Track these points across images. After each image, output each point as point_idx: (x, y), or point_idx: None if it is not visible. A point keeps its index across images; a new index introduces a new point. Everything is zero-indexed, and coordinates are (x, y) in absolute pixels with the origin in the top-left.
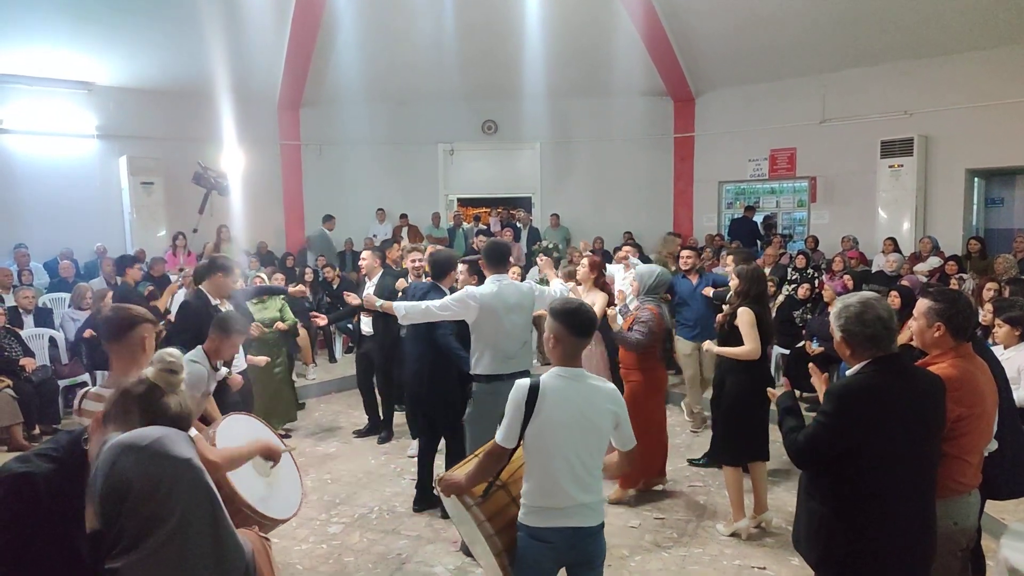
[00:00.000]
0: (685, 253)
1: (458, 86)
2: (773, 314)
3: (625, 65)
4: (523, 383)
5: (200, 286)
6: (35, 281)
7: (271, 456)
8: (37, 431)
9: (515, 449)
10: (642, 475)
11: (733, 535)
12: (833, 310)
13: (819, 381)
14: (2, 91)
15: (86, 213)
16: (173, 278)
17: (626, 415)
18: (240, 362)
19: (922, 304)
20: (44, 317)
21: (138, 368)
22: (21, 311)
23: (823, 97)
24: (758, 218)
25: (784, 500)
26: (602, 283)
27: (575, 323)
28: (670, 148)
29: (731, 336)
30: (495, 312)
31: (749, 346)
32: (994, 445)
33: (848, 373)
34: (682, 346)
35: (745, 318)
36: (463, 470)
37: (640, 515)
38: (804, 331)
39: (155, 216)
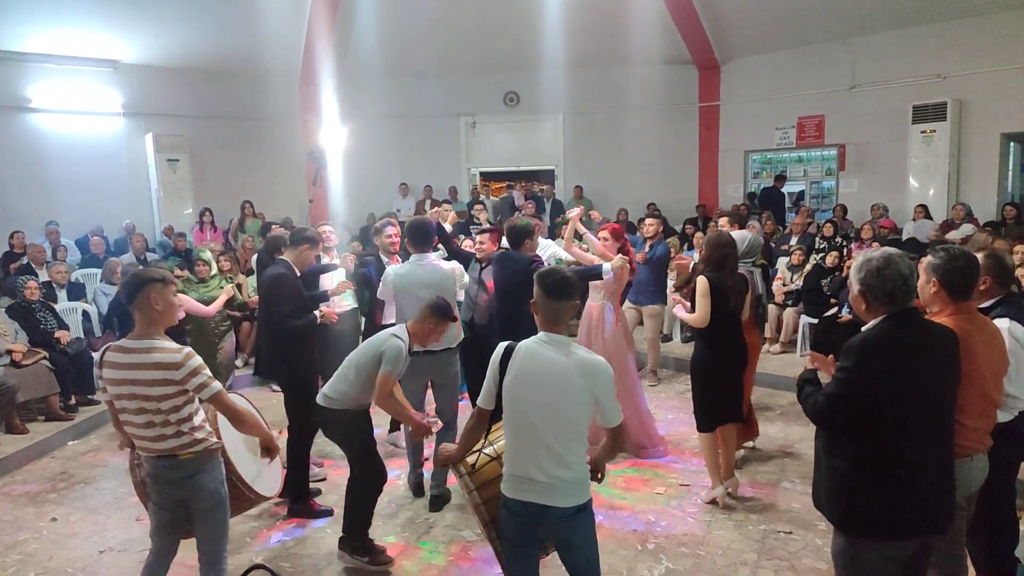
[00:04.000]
0: (648, 221)
1: (479, 58)
2: (801, 283)
3: (648, 33)
4: (502, 345)
5: (283, 257)
6: (67, 258)
7: (270, 451)
8: (73, 401)
9: (497, 413)
10: (743, 436)
11: (712, 503)
12: (854, 264)
13: (825, 362)
14: (31, 70)
15: (114, 190)
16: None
17: (607, 392)
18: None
19: (924, 260)
20: (77, 291)
21: (153, 326)
22: (55, 286)
23: (853, 62)
24: (792, 189)
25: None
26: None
27: (545, 284)
28: (695, 117)
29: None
30: (408, 292)
31: (696, 314)
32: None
33: (864, 328)
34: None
35: (699, 286)
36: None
37: (666, 482)
38: (832, 300)
39: (181, 193)
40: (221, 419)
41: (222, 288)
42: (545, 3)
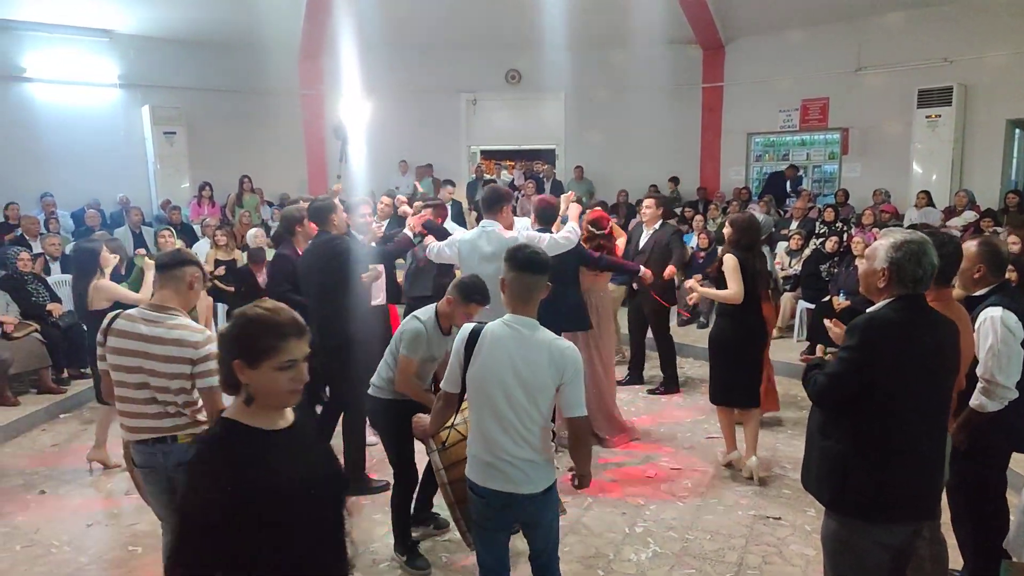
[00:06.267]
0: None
1: (481, 33)
2: (799, 267)
3: (652, 13)
4: (467, 327)
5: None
6: (61, 230)
7: None
8: (65, 374)
9: (462, 395)
10: (763, 409)
11: (728, 464)
12: (887, 240)
13: (838, 330)
14: (25, 39)
15: (111, 162)
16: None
17: (575, 378)
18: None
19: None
20: (70, 264)
21: (177, 303)
22: (48, 258)
23: (859, 44)
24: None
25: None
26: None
27: (516, 256)
28: (698, 99)
29: (721, 282)
30: (469, 260)
31: (732, 289)
32: (1014, 394)
33: (870, 309)
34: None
35: (728, 263)
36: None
37: (657, 466)
38: (830, 285)
39: (178, 166)
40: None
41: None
42: None
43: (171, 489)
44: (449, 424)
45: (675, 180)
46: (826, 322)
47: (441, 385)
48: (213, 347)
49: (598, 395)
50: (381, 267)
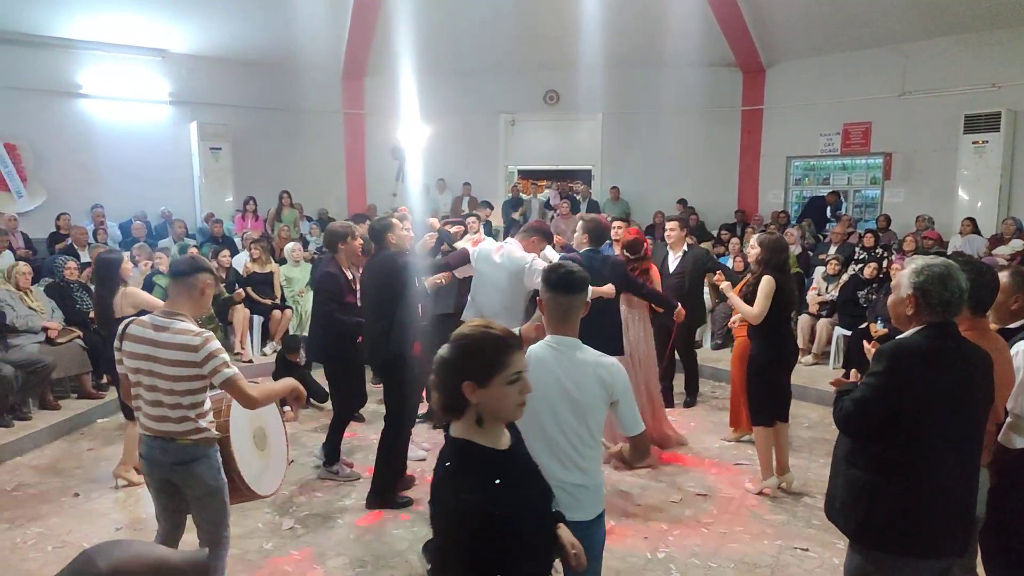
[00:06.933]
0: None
1: (521, 56)
2: (836, 293)
3: (692, 34)
4: None
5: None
6: (107, 240)
7: (298, 398)
8: (105, 380)
9: None
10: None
11: (760, 493)
12: (911, 266)
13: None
14: (82, 57)
15: (159, 176)
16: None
17: (625, 393)
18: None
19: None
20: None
21: (188, 308)
22: None
23: (903, 68)
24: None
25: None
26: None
27: (551, 277)
28: (737, 121)
29: (751, 300)
30: (480, 263)
31: (756, 310)
32: None
33: (900, 336)
34: None
35: (765, 285)
36: None
37: (683, 490)
38: (868, 311)
39: (223, 181)
40: (234, 411)
41: None
42: (587, 2)
43: (170, 490)
44: None
45: (683, 202)
46: (865, 344)
47: None
48: (214, 343)
49: (652, 411)
50: (447, 274)
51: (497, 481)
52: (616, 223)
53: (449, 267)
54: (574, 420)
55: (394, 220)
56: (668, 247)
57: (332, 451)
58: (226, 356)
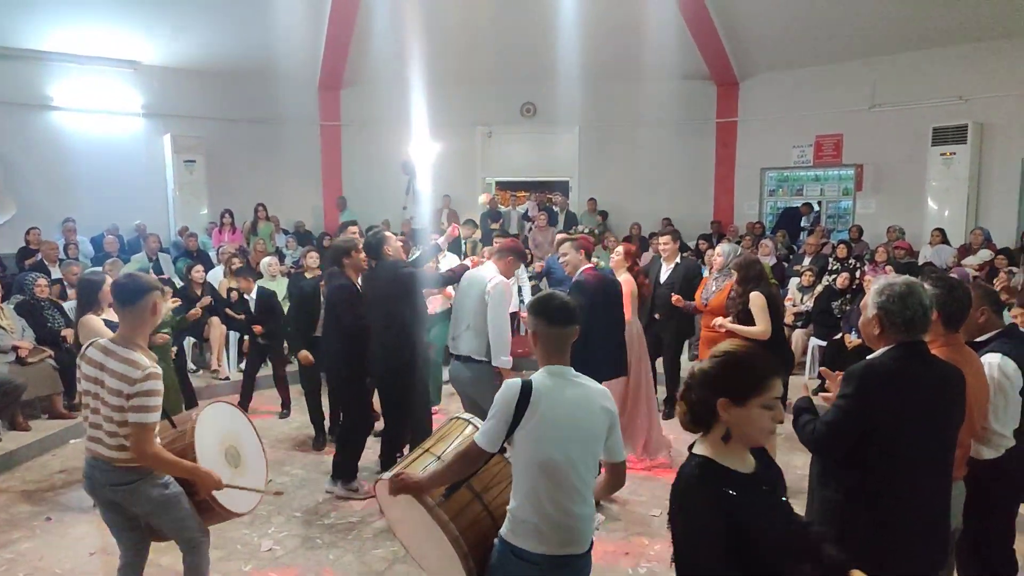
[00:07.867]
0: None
1: (498, 68)
2: (811, 304)
3: (667, 48)
4: (514, 383)
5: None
6: (79, 255)
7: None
8: (76, 400)
9: (493, 455)
10: None
11: None
12: (874, 287)
13: (834, 379)
14: (53, 69)
15: (132, 189)
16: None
17: (617, 423)
18: None
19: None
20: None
21: (140, 332)
22: (65, 284)
23: (873, 82)
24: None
25: None
26: (635, 270)
27: (547, 311)
28: (712, 133)
29: (747, 320)
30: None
31: (761, 327)
32: (1010, 442)
33: (870, 357)
34: None
35: (757, 302)
36: (415, 467)
37: (663, 504)
38: (842, 322)
39: (197, 194)
40: (199, 430)
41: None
42: (564, 16)
43: (115, 508)
44: (418, 454)
45: (667, 220)
46: (821, 370)
47: (476, 440)
48: (152, 384)
49: (648, 412)
50: (448, 291)
51: (732, 492)
52: (618, 248)
53: (451, 281)
54: (581, 451)
55: (387, 233)
56: (662, 260)
57: (352, 468)
58: (157, 402)
